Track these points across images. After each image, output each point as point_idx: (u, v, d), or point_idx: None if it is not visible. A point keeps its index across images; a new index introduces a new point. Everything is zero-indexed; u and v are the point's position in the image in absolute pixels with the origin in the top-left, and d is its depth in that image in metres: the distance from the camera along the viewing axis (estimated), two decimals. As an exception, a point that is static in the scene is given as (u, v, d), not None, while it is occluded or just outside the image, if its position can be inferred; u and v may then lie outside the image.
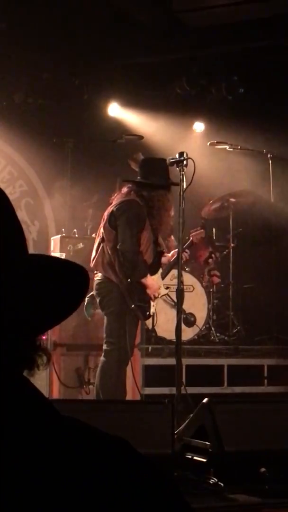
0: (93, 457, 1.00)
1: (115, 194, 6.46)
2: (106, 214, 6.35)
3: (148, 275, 6.28)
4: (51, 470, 0.97)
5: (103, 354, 6.25)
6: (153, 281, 6.35)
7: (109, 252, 6.23)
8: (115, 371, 6.17)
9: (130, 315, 6.18)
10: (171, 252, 7.16)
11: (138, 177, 6.41)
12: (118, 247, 6.17)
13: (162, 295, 6.96)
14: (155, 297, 6.40)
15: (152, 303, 6.44)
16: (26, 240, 1.09)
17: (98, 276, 6.31)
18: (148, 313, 6.39)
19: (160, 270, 6.78)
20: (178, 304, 6.08)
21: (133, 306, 6.14)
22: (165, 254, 6.87)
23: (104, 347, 6.25)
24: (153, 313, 6.71)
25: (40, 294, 1.05)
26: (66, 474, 0.97)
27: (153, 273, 6.44)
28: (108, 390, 6.13)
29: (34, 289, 1.04)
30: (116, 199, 6.36)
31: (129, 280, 6.14)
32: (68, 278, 1.09)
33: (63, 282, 1.08)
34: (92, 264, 6.33)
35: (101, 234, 6.37)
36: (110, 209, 6.32)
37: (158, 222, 6.31)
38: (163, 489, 1.03)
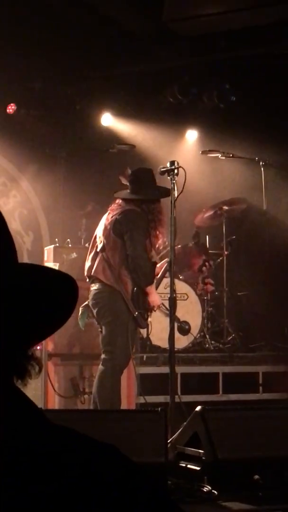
0: (83, 464, 1.01)
1: (112, 204, 6.50)
2: (107, 223, 6.38)
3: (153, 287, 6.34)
4: (40, 477, 0.97)
5: (101, 362, 6.26)
6: (155, 293, 6.38)
7: (113, 260, 6.25)
8: (113, 380, 6.20)
9: (131, 324, 6.21)
10: (159, 264, 7.20)
11: (129, 191, 6.47)
12: (128, 253, 6.20)
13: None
14: (153, 310, 6.43)
15: (150, 312, 6.46)
16: (16, 250, 1.10)
17: (95, 286, 6.31)
18: (146, 321, 6.42)
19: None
20: (170, 313, 6.10)
21: (136, 313, 6.18)
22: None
23: (103, 356, 6.26)
24: (149, 322, 6.72)
25: (31, 305, 1.05)
26: (55, 481, 0.98)
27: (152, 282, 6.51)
28: (106, 399, 6.14)
29: (25, 299, 1.05)
30: (114, 210, 6.40)
31: (135, 289, 6.19)
32: (58, 288, 1.10)
33: (54, 292, 1.09)
34: (91, 273, 6.33)
35: (99, 243, 6.40)
36: (112, 218, 6.35)
37: (154, 233, 6.36)
38: (155, 496, 1.03)
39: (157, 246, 6.55)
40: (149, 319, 6.52)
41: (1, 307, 1.00)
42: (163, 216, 6.36)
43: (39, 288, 1.07)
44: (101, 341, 6.38)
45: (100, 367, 6.26)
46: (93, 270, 6.35)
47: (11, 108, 8.38)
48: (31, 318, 1.05)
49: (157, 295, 6.40)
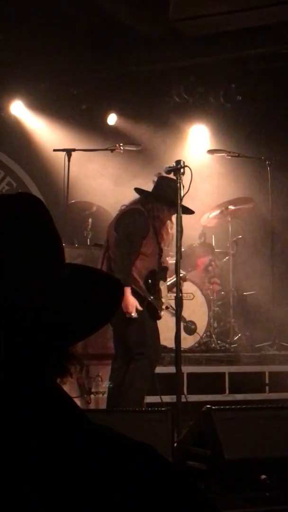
0: (122, 462, 1.04)
1: (127, 203, 6.57)
2: (111, 221, 6.46)
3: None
4: (80, 475, 1.00)
5: (132, 362, 6.26)
6: (130, 297, 6.16)
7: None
8: (147, 379, 6.19)
9: (147, 316, 6.19)
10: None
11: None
12: (110, 253, 6.24)
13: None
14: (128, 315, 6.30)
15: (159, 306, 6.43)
16: (63, 249, 1.11)
17: None
18: (162, 307, 6.39)
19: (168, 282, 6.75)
20: (177, 313, 6.09)
21: (151, 297, 6.17)
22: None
23: (136, 358, 6.26)
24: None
25: (76, 305, 1.07)
26: (95, 479, 1.01)
27: (163, 279, 6.50)
28: (137, 399, 6.14)
29: (70, 300, 1.06)
30: (122, 209, 6.49)
31: (148, 280, 6.21)
32: (103, 289, 1.11)
33: (98, 293, 1.10)
34: None
35: (105, 242, 6.48)
36: (116, 216, 6.47)
37: (159, 234, 6.37)
38: (193, 495, 1.06)
39: (163, 246, 6.53)
40: (162, 313, 6.45)
41: (46, 307, 1.01)
42: (165, 219, 6.38)
43: (84, 289, 1.08)
44: (122, 345, 6.39)
45: (132, 366, 6.26)
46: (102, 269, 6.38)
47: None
48: (74, 318, 1.07)
49: (131, 300, 6.15)
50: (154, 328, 6.36)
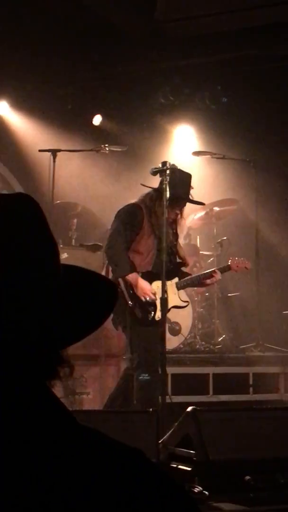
0: (110, 466, 1.04)
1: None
2: None
3: (139, 277, 6.17)
4: (68, 478, 1.00)
5: (136, 368, 6.23)
6: (144, 283, 6.19)
7: None
8: (154, 381, 6.14)
9: (129, 319, 6.13)
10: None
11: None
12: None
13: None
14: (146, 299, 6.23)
15: (157, 307, 6.30)
16: (59, 252, 1.11)
17: None
18: (151, 315, 6.27)
19: (176, 279, 6.64)
20: (163, 313, 6.09)
21: (131, 303, 6.11)
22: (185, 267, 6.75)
23: (136, 362, 6.24)
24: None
25: (69, 308, 1.07)
26: (83, 483, 1.00)
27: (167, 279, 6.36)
28: (150, 404, 6.08)
29: (64, 303, 1.06)
30: None
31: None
32: (97, 292, 1.11)
33: (92, 296, 1.10)
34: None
35: None
36: None
37: (157, 230, 6.27)
38: (179, 501, 1.06)
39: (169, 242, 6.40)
40: (158, 315, 6.25)
41: (37, 309, 1.02)
42: (160, 212, 6.20)
43: (78, 292, 1.09)
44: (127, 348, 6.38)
45: (136, 372, 6.22)
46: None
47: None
48: (66, 321, 1.07)
49: (144, 283, 6.17)
50: (146, 333, 6.23)
